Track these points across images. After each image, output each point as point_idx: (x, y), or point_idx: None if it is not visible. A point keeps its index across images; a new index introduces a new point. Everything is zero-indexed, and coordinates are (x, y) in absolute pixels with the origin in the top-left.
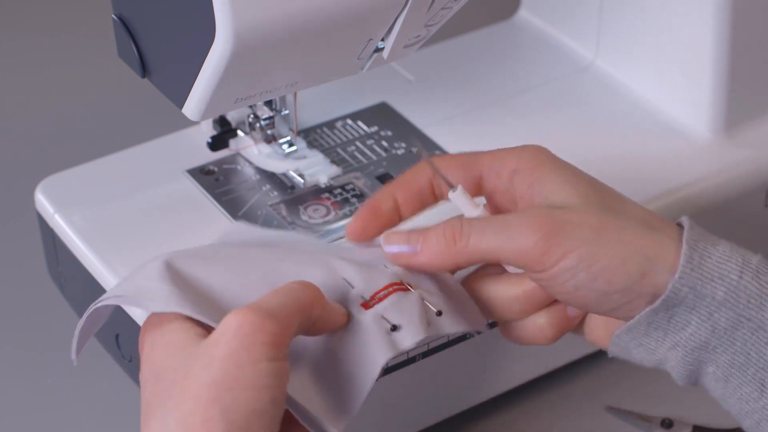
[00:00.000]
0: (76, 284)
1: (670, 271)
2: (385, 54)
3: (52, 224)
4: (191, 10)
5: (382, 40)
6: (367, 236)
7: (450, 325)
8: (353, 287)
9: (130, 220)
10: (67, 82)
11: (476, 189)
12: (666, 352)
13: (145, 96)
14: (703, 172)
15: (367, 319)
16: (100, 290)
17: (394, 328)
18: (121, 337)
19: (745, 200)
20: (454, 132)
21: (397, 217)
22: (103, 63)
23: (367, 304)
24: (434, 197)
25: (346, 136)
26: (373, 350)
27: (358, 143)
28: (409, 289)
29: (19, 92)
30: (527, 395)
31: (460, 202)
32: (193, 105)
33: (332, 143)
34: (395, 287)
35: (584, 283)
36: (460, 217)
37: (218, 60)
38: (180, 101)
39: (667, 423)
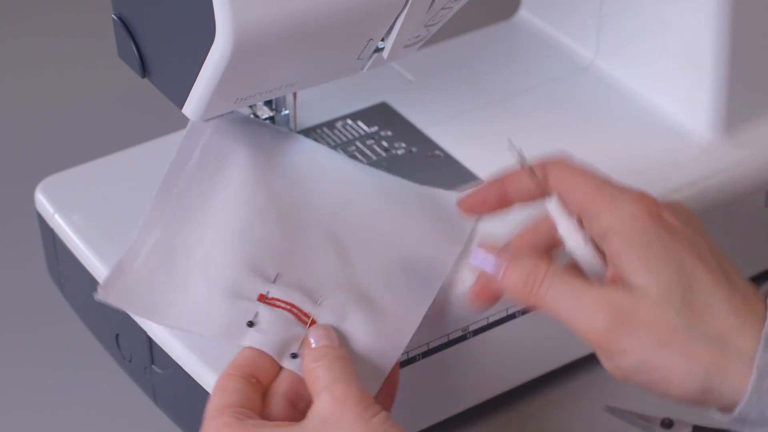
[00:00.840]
0: (76, 284)
1: (737, 393)
2: (385, 54)
3: (52, 224)
4: (191, 10)
5: (382, 40)
6: (482, 209)
7: (296, 366)
8: (273, 281)
9: (130, 220)
10: (67, 82)
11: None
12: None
13: (145, 96)
14: (703, 172)
15: (250, 305)
16: None
17: (251, 324)
18: (121, 337)
19: (745, 200)
20: (454, 132)
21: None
22: (103, 63)
23: (262, 297)
24: (554, 247)
25: (346, 136)
26: (226, 322)
27: (358, 143)
28: (303, 322)
29: (19, 92)
30: (527, 395)
31: (554, 213)
32: (193, 105)
33: (332, 143)
34: (297, 312)
35: (644, 384)
36: (546, 265)
37: (218, 60)
38: (180, 101)
39: (667, 423)
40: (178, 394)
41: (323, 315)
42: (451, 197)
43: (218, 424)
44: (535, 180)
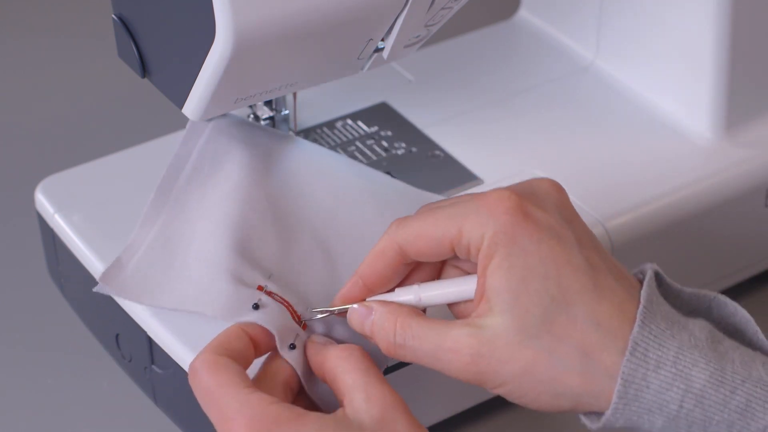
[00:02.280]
0: (76, 284)
1: (606, 404)
2: (385, 54)
3: (52, 224)
4: (191, 10)
5: (382, 40)
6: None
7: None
8: (268, 278)
9: (130, 220)
10: (67, 82)
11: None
12: None
13: (145, 96)
14: (703, 172)
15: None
16: None
17: (257, 307)
18: (121, 337)
19: (745, 200)
20: (454, 132)
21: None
22: (103, 63)
23: (261, 288)
24: (408, 266)
25: (346, 136)
26: (232, 303)
27: (358, 143)
28: (297, 321)
29: (19, 92)
30: None
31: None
32: (193, 105)
33: (332, 143)
34: (291, 310)
35: (522, 404)
36: (398, 322)
37: (218, 60)
38: (180, 101)
39: None
40: (178, 394)
41: (312, 323)
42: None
43: (276, 409)
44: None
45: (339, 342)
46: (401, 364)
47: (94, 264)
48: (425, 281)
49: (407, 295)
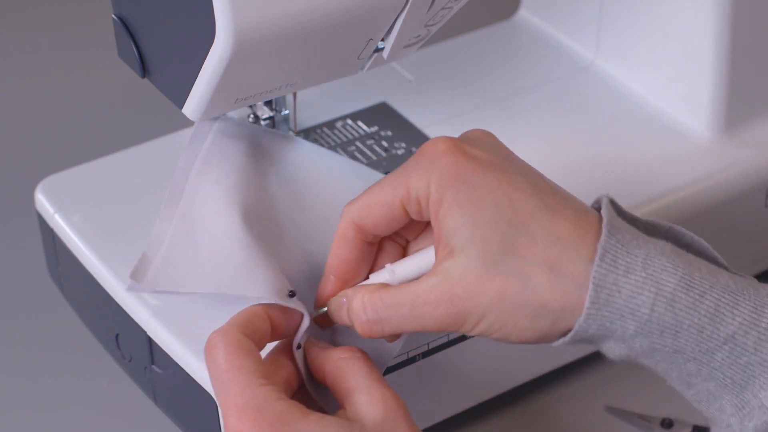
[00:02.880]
0: (76, 284)
1: (579, 315)
2: (385, 54)
3: (52, 224)
4: (191, 10)
5: (382, 40)
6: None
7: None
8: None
9: (130, 220)
10: (67, 82)
11: (408, 218)
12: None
13: (145, 96)
14: (703, 172)
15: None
16: (100, 290)
17: (293, 294)
18: (121, 337)
19: (745, 200)
20: (454, 132)
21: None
22: (103, 63)
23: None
24: (373, 245)
25: (346, 136)
26: (272, 285)
27: (358, 143)
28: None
29: (19, 92)
30: (527, 395)
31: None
32: (193, 105)
33: (332, 143)
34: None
35: (501, 337)
36: (370, 299)
37: (218, 60)
38: (180, 101)
39: (667, 423)
40: (178, 394)
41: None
42: None
43: (272, 397)
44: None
45: (339, 344)
46: (401, 365)
47: (94, 264)
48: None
49: (381, 276)
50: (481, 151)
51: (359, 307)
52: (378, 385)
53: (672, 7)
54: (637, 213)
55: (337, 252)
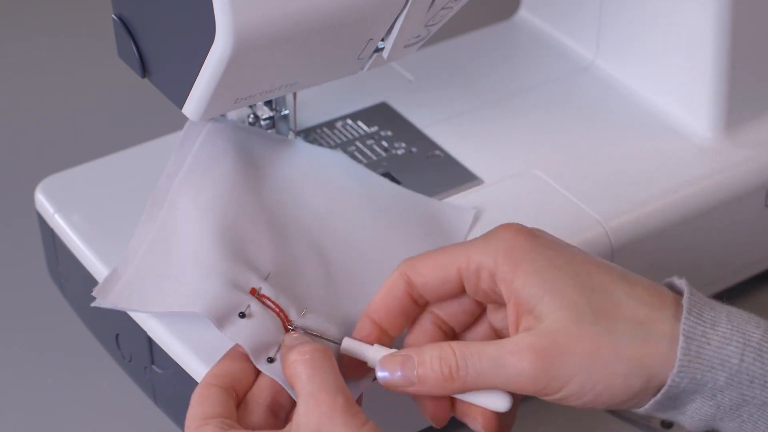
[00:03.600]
0: (76, 284)
1: (671, 367)
2: (385, 54)
3: (52, 224)
4: (191, 10)
5: (382, 40)
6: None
7: (272, 371)
8: (265, 279)
9: (130, 220)
10: (67, 82)
11: (460, 290)
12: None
13: (145, 96)
14: (703, 172)
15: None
16: None
17: (243, 315)
18: (121, 337)
19: (745, 200)
20: (454, 132)
21: (389, 339)
22: (103, 63)
23: (254, 291)
24: (419, 307)
25: (346, 136)
26: (220, 305)
27: (358, 143)
28: (285, 329)
29: (19, 92)
30: (527, 395)
31: (352, 350)
32: (193, 105)
33: (332, 143)
34: (283, 317)
35: (591, 401)
36: (450, 345)
37: (218, 60)
38: (180, 101)
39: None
40: (178, 394)
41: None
42: (444, 208)
43: None
44: (324, 339)
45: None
46: None
47: (94, 264)
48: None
49: (374, 353)
50: (549, 235)
51: (451, 358)
52: (317, 391)
53: (672, 7)
54: (637, 213)
55: (382, 298)
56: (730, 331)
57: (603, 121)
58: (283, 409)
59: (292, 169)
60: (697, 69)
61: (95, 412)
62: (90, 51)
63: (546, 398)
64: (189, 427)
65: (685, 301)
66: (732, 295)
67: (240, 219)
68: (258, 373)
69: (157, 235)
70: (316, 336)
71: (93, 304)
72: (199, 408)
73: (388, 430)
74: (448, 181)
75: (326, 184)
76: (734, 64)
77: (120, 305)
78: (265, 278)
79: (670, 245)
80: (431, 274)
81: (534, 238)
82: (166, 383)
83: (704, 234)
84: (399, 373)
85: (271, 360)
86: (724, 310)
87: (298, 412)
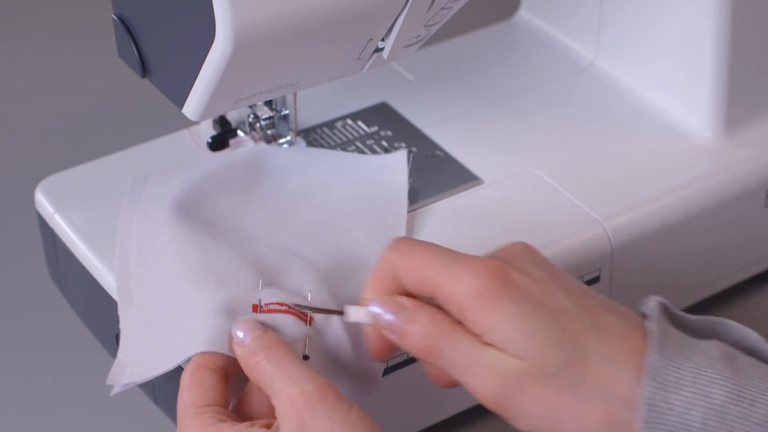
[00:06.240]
0: (76, 284)
1: (633, 429)
2: (385, 54)
3: (52, 224)
4: (191, 10)
5: (382, 40)
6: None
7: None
8: (260, 288)
9: None
10: (67, 82)
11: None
12: None
13: (145, 96)
14: (703, 172)
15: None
16: (100, 290)
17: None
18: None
19: (745, 200)
20: (454, 132)
21: None
22: (103, 63)
23: (256, 307)
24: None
25: (346, 136)
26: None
27: (358, 143)
28: (303, 320)
29: (19, 92)
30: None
31: (355, 318)
32: (193, 105)
33: (332, 143)
34: (288, 309)
35: None
36: (441, 321)
37: (218, 60)
38: (180, 101)
39: None
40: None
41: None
42: (378, 161)
43: (199, 424)
44: (323, 310)
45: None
46: (400, 365)
47: (94, 264)
48: None
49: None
50: (526, 275)
51: (426, 324)
52: (284, 387)
53: (672, 7)
54: (637, 213)
55: (375, 282)
56: (692, 396)
57: (603, 121)
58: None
59: (234, 181)
60: (697, 69)
61: (95, 412)
62: (90, 51)
63: (506, 419)
64: (184, 414)
65: (649, 361)
66: (732, 295)
67: (206, 247)
68: None
69: (139, 307)
70: (327, 311)
71: (112, 393)
72: (193, 393)
73: (388, 429)
74: (448, 181)
75: (270, 181)
76: (734, 64)
77: (138, 380)
78: (260, 287)
79: (670, 245)
80: (411, 277)
81: (506, 285)
82: (166, 383)
83: (704, 234)
84: (390, 317)
85: (306, 357)
86: (690, 366)
87: (278, 413)
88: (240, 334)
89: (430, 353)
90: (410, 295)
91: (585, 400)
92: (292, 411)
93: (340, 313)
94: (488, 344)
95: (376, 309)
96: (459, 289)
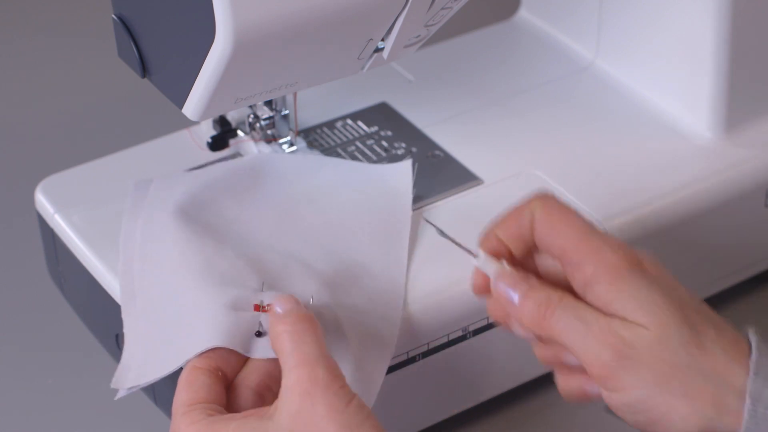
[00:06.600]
0: (76, 284)
1: (731, 426)
2: (385, 54)
3: (52, 224)
4: (191, 10)
5: (382, 40)
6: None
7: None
8: (261, 290)
9: None
10: (67, 82)
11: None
12: None
13: (145, 96)
14: (703, 172)
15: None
16: (100, 290)
17: (259, 334)
18: (120, 337)
19: (745, 200)
20: (454, 132)
21: (511, 256)
22: (103, 63)
23: (258, 307)
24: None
25: (346, 136)
26: (236, 331)
27: (358, 143)
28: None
29: (19, 92)
30: (527, 395)
31: (484, 268)
32: (193, 105)
33: (332, 143)
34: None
35: (643, 424)
36: (561, 295)
37: (218, 60)
38: (180, 101)
39: None
40: None
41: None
42: (383, 170)
43: (189, 421)
44: (458, 244)
45: (346, 328)
46: (400, 365)
47: (94, 264)
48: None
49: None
50: (655, 265)
51: (550, 301)
52: (296, 365)
53: (672, 7)
54: (637, 213)
55: (511, 218)
56: None
57: (603, 121)
58: (271, 393)
59: (238, 186)
60: (697, 69)
61: (95, 412)
62: (90, 51)
63: (605, 394)
64: (176, 412)
65: (752, 362)
66: (732, 295)
67: (209, 251)
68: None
69: (143, 312)
70: (464, 248)
71: (117, 397)
72: (185, 394)
73: (390, 429)
74: (448, 181)
75: (275, 185)
76: (734, 64)
77: (143, 383)
78: (262, 288)
79: (670, 245)
80: (545, 232)
81: (640, 269)
82: (166, 383)
83: (704, 234)
84: (511, 290)
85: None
86: None
87: (282, 387)
88: (277, 308)
89: (544, 319)
90: (531, 245)
91: (697, 381)
92: (296, 395)
93: (473, 255)
94: (611, 314)
95: (501, 287)
96: (595, 260)
